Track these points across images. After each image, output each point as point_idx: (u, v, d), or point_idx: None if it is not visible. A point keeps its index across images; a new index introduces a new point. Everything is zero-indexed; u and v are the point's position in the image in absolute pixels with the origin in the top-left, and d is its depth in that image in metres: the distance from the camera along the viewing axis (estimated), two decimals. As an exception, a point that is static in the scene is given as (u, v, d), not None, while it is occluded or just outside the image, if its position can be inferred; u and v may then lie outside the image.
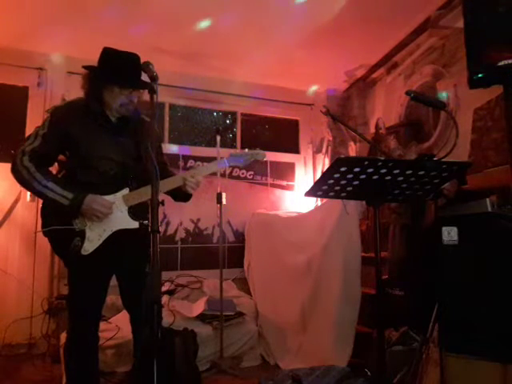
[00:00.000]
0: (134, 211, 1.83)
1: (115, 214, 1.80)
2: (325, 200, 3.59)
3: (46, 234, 1.81)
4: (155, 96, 1.52)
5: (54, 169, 1.90)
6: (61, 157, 1.89)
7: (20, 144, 1.79)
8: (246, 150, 2.08)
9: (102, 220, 1.75)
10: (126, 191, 1.83)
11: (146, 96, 1.54)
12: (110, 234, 1.80)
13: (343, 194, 1.75)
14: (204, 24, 3.19)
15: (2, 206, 3.52)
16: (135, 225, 1.82)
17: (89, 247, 1.75)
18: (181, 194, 1.95)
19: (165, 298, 3.31)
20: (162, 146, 2.15)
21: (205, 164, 2.01)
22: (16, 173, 1.74)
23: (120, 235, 1.82)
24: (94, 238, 1.76)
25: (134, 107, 1.88)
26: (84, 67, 1.84)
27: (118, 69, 1.80)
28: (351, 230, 2.87)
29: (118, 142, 1.87)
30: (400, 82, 3.89)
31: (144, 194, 1.78)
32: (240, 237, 4.24)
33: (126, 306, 2.02)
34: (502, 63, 1.84)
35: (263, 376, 2.67)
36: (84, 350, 1.87)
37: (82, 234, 1.75)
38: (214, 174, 3.46)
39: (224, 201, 3.26)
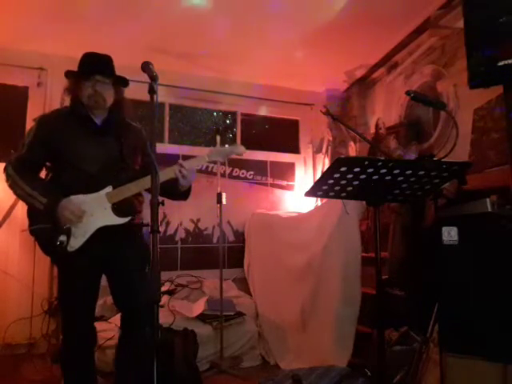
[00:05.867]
0: (118, 208, 1.86)
1: (100, 211, 1.84)
2: (325, 200, 3.59)
3: (32, 232, 1.87)
4: (155, 96, 1.53)
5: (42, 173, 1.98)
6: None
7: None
8: (226, 146, 2.06)
9: (74, 224, 1.80)
10: (109, 189, 1.86)
11: (146, 96, 1.54)
12: (97, 232, 1.83)
13: (343, 194, 1.75)
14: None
15: (1, 206, 3.51)
16: (120, 221, 1.85)
17: (74, 244, 1.80)
18: (176, 191, 1.94)
19: (165, 298, 3.31)
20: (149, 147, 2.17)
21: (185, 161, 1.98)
22: (6, 182, 1.86)
23: (106, 233, 1.84)
24: (79, 235, 1.80)
25: (105, 101, 1.89)
26: (65, 74, 1.91)
27: (82, 64, 1.90)
28: (351, 230, 2.87)
29: (101, 142, 1.91)
30: (400, 82, 3.89)
31: (126, 190, 1.84)
32: (240, 237, 4.24)
33: (117, 306, 2.05)
34: (501, 63, 1.84)
35: (263, 376, 2.67)
36: (77, 349, 1.90)
37: (67, 231, 1.80)
38: (214, 173, 3.46)
39: (224, 201, 3.25)
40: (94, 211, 1.82)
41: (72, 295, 1.88)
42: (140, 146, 1.97)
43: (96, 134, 1.92)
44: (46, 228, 1.80)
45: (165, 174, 1.85)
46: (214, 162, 2.03)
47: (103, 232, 1.84)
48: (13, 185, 1.83)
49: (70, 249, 1.79)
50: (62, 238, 1.78)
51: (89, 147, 1.87)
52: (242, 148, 2.03)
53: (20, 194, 1.82)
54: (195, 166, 1.94)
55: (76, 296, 1.87)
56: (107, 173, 1.87)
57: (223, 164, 4.18)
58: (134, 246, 1.95)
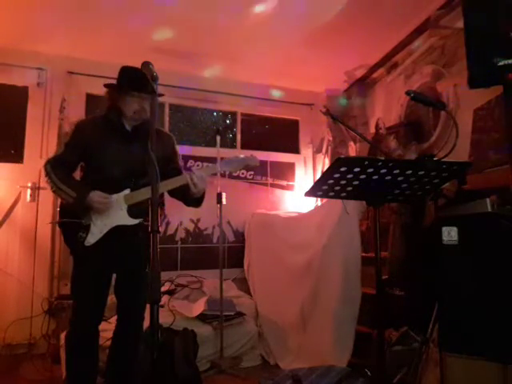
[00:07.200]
0: (133, 210, 2.00)
1: (116, 211, 1.99)
2: (325, 200, 3.59)
3: (59, 225, 2.09)
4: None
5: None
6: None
7: None
8: (242, 156, 2.14)
9: (104, 212, 1.98)
10: (127, 191, 2.01)
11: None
12: (112, 230, 1.98)
13: (343, 194, 1.76)
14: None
15: (2, 206, 3.51)
16: (132, 222, 1.99)
17: (91, 239, 1.97)
18: (189, 197, 2.04)
19: (165, 298, 3.31)
20: (177, 152, 2.24)
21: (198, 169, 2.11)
22: (44, 177, 2.06)
23: (120, 232, 1.98)
24: (95, 232, 1.98)
25: (147, 114, 2.00)
26: (105, 85, 2.10)
27: (128, 80, 2.03)
28: (351, 230, 2.87)
29: (128, 147, 2.06)
30: (400, 82, 3.89)
31: (143, 194, 1.97)
32: (240, 237, 4.24)
33: (118, 305, 2.13)
34: (501, 63, 1.84)
35: (263, 376, 2.67)
36: (83, 344, 2.00)
37: (87, 228, 1.99)
38: (214, 174, 3.46)
39: (224, 201, 3.25)
40: (112, 211, 1.98)
41: (84, 290, 1.99)
42: (167, 153, 2.09)
43: (125, 139, 2.07)
44: (71, 222, 2.00)
45: (176, 181, 1.98)
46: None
47: (117, 231, 1.98)
48: (48, 180, 2.03)
49: (86, 243, 1.96)
50: (82, 233, 1.97)
51: (116, 152, 2.03)
52: (256, 160, 2.13)
53: (53, 188, 2.01)
54: (206, 175, 2.03)
55: (88, 291, 1.98)
56: (128, 177, 2.02)
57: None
58: (143, 246, 1.99)
